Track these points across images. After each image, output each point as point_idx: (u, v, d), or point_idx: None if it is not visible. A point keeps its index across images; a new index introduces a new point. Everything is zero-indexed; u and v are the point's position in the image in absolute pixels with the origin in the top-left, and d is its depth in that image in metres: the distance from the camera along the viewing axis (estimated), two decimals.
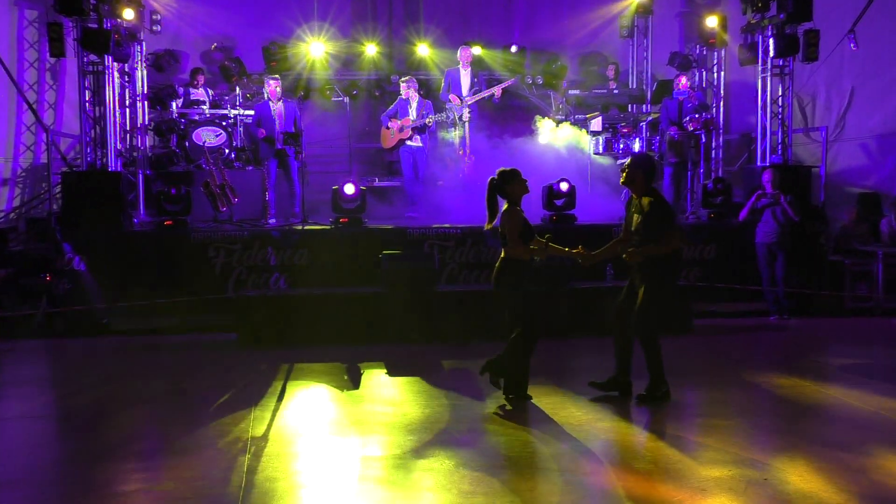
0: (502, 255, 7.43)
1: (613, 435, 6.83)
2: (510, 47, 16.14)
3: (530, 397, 7.46)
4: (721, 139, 15.49)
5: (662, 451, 6.25)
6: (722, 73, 15.80)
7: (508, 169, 7.49)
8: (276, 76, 13.66)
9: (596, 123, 13.98)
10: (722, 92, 15.77)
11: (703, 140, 13.76)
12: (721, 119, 15.59)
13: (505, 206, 7.43)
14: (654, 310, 7.36)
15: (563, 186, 12.44)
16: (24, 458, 6.31)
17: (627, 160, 7.75)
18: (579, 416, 7.09)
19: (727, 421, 6.97)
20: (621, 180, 7.61)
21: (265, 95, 13.55)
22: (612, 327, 7.63)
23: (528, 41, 16.46)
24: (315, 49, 15.00)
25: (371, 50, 15.75)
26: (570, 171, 13.33)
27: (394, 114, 13.80)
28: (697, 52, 16.07)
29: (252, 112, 13.97)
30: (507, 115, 15.08)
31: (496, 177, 7.45)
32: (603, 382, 7.63)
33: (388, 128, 13.79)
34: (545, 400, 7.47)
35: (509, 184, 7.41)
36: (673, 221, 7.50)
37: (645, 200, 7.42)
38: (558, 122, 14.65)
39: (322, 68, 15.37)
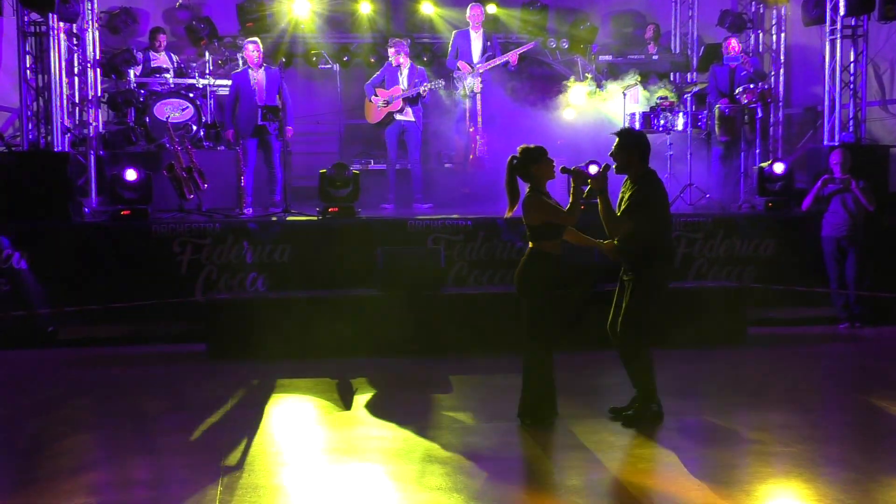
0: (529, 247, 7.44)
1: (652, 464, 6.83)
2: (530, 4, 16.14)
3: (556, 415, 7.49)
4: (781, 114, 15.45)
5: (707, 482, 6.25)
6: (782, 36, 15.75)
7: (533, 146, 7.47)
8: (256, 39, 13.64)
9: (632, 96, 13.94)
10: (782, 58, 15.72)
11: (760, 115, 13.76)
12: (781, 90, 15.55)
13: (528, 192, 7.43)
14: (639, 318, 7.38)
15: (593, 169, 12.39)
16: None
17: (616, 139, 7.62)
18: (611, 441, 7.10)
19: (787, 448, 6.96)
20: (615, 167, 7.57)
21: (240, 63, 13.53)
22: (613, 342, 7.63)
23: None
24: (299, 7, 14.98)
25: (366, 8, 15.70)
26: (601, 152, 13.30)
27: (380, 83, 13.79)
28: (753, 10, 16.04)
29: (228, 82, 13.97)
30: (526, 85, 15.05)
31: (517, 156, 7.44)
32: (624, 407, 7.63)
33: (372, 100, 13.80)
34: (571, 423, 7.48)
35: (534, 164, 7.40)
36: (647, 209, 7.40)
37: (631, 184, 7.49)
38: (586, 94, 14.63)
39: (307, 30, 15.37)
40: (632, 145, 7.51)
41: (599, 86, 14.75)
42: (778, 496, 5.94)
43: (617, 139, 7.58)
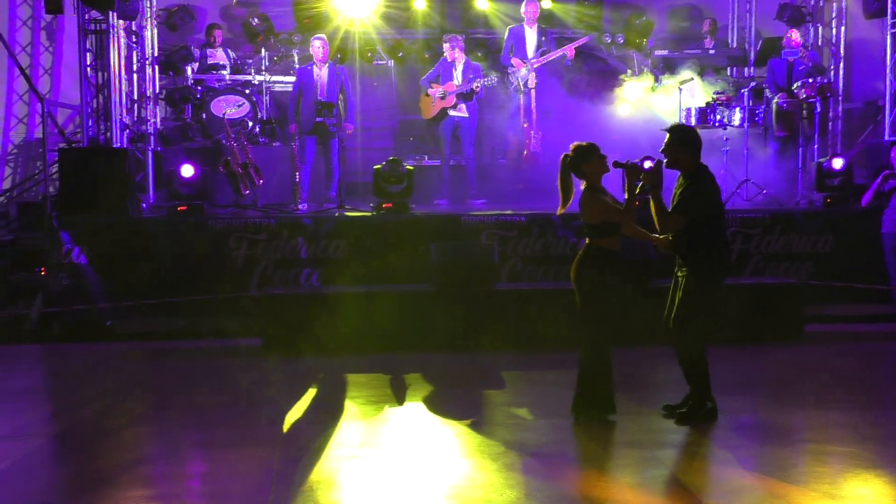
0: (587, 243, 7.42)
1: (707, 462, 6.79)
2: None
3: (614, 411, 7.45)
4: (840, 108, 15.22)
5: (762, 481, 6.19)
6: (842, 29, 15.52)
7: (585, 144, 7.47)
8: (322, 36, 13.66)
9: (688, 90, 13.81)
10: (842, 51, 15.49)
11: (819, 109, 13.57)
12: (840, 84, 15.32)
13: (583, 188, 7.41)
14: (693, 314, 7.30)
15: (648, 165, 12.32)
16: (15, 482, 6.41)
17: (667, 135, 7.56)
18: (666, 439, 7.06)
19: (845, 448, 6.87)
20: (665, 163, 7.50)
21: (295, 59, 13.57)
22: (667, 339, 7.56)
23: None
24: (354, 4, 15.00)
25: (420, 4, 15.71)
26: (657, 147, 13.19)
27: (435, 78, 13.81)
28: (812, 3, 15.83)
29: (284, 78, 14.03)
30: (581, 80, 14.98)
31: (571, 153, 7.44)
32: (678, 404, 7.56)
33: (428, 94, 13.81)
34: (626, 419, 7.45)
35: (586, 161, 7.39)
36: (698, 205, 7.32)
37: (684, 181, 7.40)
38: (642, 89, 14.53)
39: (363, 27, 15.40)
40: (682, 141, 7.44)
41: (657, 80, 14.64)
42: (834, 496, 5.85)
43: (668, 135, 7.52)
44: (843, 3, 15.39)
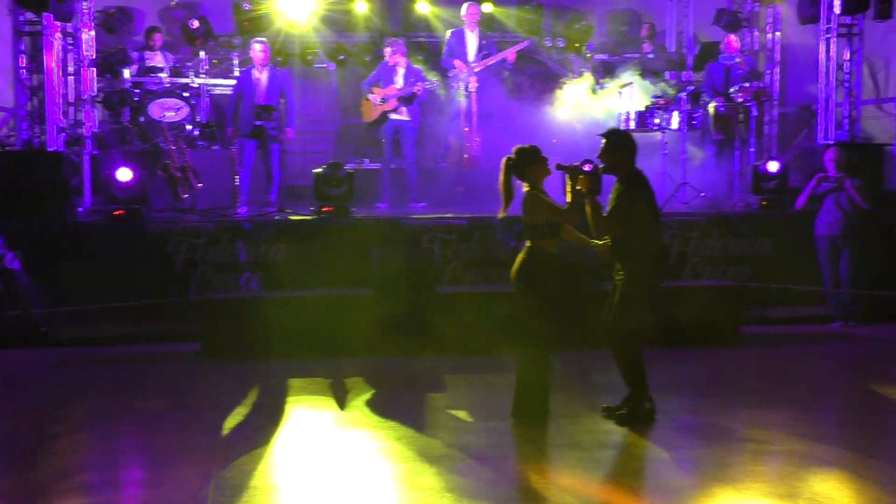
0: (527, 246, 7.46)
1: (645, 463, 6.85)
2: (526, 3, 16.14)
3: (548, 413, 7.51)
4: (775, 112, 15.48)
5: (704, 480, 6.26)
6: (777, 34, 15.78)
7: (528, 146, 7.54)
8: (263, 39, 13.60)
9: (627, 94, 13.94)
10: (777, 56, 15.75)
11: (755, 113, 13.76)
12: (776, 89, 15.58)
13: (525, 191, 7.45)
14: (630, 316, 7.37)
15: (587, 168, 12.40)
16: None
17: (603, 140, 7.64)
18: (605, 440, 7.12)
19: (782, 447, 6.97)
20: (602, 168, 7.57)
21: (235, 62, 13.51)
22: (606, 342, 7.64)
23: None
24: (295, 6, 14.95)
25: (361, 7, 15.68)
26: (597, 150, 13.30)
27: (376, 81, 13.81)
28: (748, 8, 16.07)
29: (224, 81, 13.96)
30: (521, 84, 15.05)
31: (513, 156, 7.48)
32: (618, 406, 7.61)
33: (369, 98, 13.80)
34: (565, 422, 7.50)
35: (529, 164, 7.46)
36: (633, 209, 7.39)
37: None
38: (583, 92, 14.62)
39: (303, 29, 15.36)
40: (619, 146, 7.51)
41: (598, 84, 14.71)
42: (772, 495, 5.93)
43: (604, 140, 7.58)
44: (779, 8, 15.65)
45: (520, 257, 7.50)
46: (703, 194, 13.25)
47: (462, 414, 7.98)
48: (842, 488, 6.09)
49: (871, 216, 11.76)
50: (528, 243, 7.46)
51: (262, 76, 13.27)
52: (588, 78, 14.91)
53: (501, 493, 6.13)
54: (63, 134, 13.11)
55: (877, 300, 11.83)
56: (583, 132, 14.10)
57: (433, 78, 13.95)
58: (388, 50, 13.83)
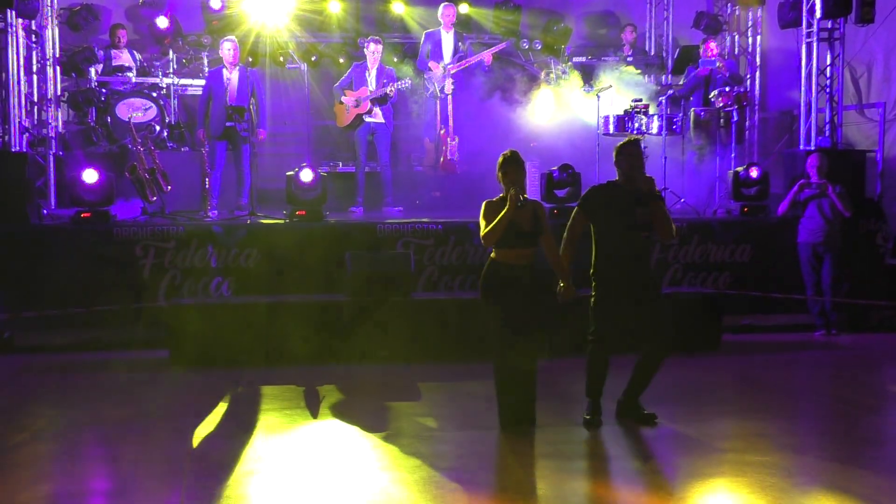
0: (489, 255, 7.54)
1: (624, 473, 6.88)
2: (503, 4, 16.21)
3: (532, 422, 7.58)
4: (756, 117, 15.59)
5: (681, 492, 6.30)
6: (758, 38, 15.90)
7: (506, 152, 7.61)
8: (233, 38, 13.56)
9: (606, 98, 14.00)
10: (758, 61, 15.87)
11: (735, 118, 13.85)
12: (757, 93, 15.69)
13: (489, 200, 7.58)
14: (592, 324, 7.69)
15: (565, 173, 12.53)
16: None
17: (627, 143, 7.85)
18: (584, 450, 7.15)
19: (762, 457, 7.01)
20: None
21: (205, 62, 13.49)
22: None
23: None
24: (266, 5, 14.92)
25: (335, 7, 15.70)
26: (574, 155, 13.40)
27: (348, 84, 13.82)
28: (728, 12, 16.17)
29: (193, 81, 13.93)
30: (499, 86, 15.07)
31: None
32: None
33: (341, 102, 13.81)
34: (545, 430, 7.53)
35: (499, 171, 7.54)
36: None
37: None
38: (560, 96, 14.68)
39: (275, 29, 15.33)
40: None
41: (587, 85, 14.73)
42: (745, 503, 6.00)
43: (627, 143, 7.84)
44: (759, 12, 15.75)
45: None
46: (682, 200, 13.34)
47: (438, 422, 8.00)
48: (820, 500, 6.14)
49: (852, 223, 11.88)
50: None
51: (232, 76, 13.24)
52: (566, 80, 14.98)
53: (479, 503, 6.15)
54: (27, 134, 13.03)
55: (859, 309, 11.95)
56: (560, 135, 14.19)
57: (407, 78, 13.97)
58: (373, 46, 13.77)
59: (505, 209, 7.32)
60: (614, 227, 7.63)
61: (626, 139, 7.97)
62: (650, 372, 7.78)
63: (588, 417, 7.67)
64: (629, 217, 7.60)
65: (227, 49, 13.27)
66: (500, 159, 7.53)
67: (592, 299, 7.68)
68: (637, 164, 7.70)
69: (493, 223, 7.33)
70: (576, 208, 7.78)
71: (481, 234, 7.43)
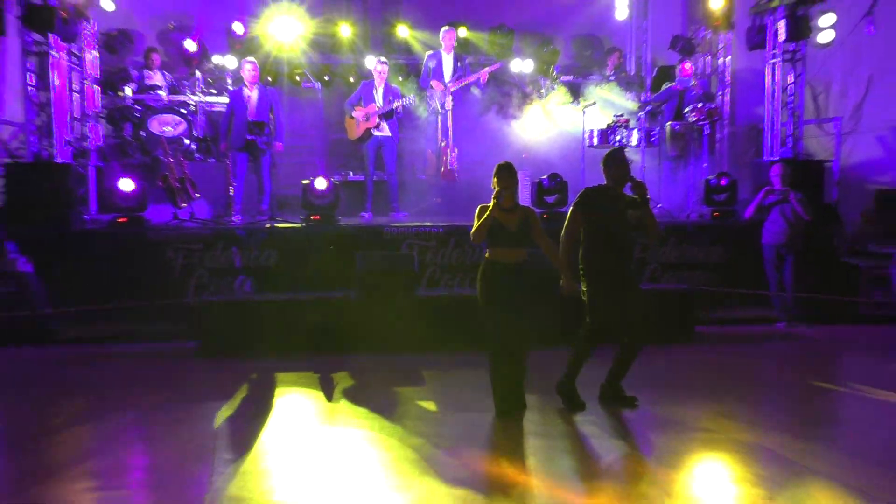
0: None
1: (606, 450, 6.94)
2: (498, 29, 16.26)
3: (523, 407, 7.63)
4: (726, 131, 15.62)
5: (664, 470, 6.37)
6: (728, 59, 15.92)
7: (501, 162, 7.65)
8: (252, 59, 13.61)
9: (591, 113, 14.06)
10: (728, 80, 15.89)
11: (707, 132, 13.92)
12: (726, 109, 15.72)
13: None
14: (586, 315, 7.80)
15: (554, 182, 12.60)
16: None
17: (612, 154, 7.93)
18: (571, 430, 7.22)
19: (731, 435, 7.07)
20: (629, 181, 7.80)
21: (228, 81, 13.53)
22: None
23: (517, 22, 16.52)
24: (284, 30, 14.98)
25: (346, 31, 15.79)
26: (563, 164, 13.45)
27: (357, 101, 13.86)
28: (702, 35, 16.20)
29: (218, 99, 13.99)
30: (494, 102, 15.13)
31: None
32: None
33: (352, 117, 13.86)
34: (535, 413, 7.59)
35: (493, 177, 7.57)
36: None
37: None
38: (549, 111, 14.73)
39: (291, 51, 15.39)
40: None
41: (576, 100, 14.77)
42: (723, 479, 6.05)
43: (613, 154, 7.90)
44: (729, 35, 15.77)
45: None
46: (660, 205, 13.40)
47: (438, 406, 8.05)
48: (782, 471, 6.19)
49: (812, 226, 11.93)
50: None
51: (252, 93, 13.28)
52: (554, 97, 15.01)
53: (472, 477, 6.20)
54: (69, 147, 13.11)
55: (817, 302, 12.01)
56: (549, 147, 14.25)
57: (411, 95, 14.02)
58: (381, 66, 13.84)
59: (489, 209, 7.42)
60: (607, 226, 7.69)
61: (614, 147, 8.03)
62: (629, 359, 7.85)
63: (568, 399, 7.76)
64: (621, 218, 7.68)
65: (247, 69, 13.31)
66: (495, 168, 7.59)
67: (585, 294, 7.70)
68: (626, 169, 7.79)
69: (479, 222, 7.44)
70: (572, 208, 7.80)
71: (471, 232, 7.53)
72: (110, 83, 14.69)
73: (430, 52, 14.51)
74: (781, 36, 13.36)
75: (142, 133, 14.11)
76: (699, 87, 14.28)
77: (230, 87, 14.64)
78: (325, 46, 15.98)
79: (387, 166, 13.90)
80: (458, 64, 14.30)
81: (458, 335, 10.12)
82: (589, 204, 7.74)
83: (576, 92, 15.35)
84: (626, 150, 13.05)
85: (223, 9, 15.82)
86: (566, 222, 7.77)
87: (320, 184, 12.20)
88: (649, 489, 5.91)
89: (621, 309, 7.69)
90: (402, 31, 15.87)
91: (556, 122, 14.63)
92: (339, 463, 6.49)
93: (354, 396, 8.44)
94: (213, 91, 15.21)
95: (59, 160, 12.45)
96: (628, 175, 7.78)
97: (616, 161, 7.78)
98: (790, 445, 6.87)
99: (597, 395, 7.93)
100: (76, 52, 13.91)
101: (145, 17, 16.16)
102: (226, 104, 13.90)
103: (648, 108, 14.68)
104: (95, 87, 14.73)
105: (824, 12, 13.32)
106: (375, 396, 8.40)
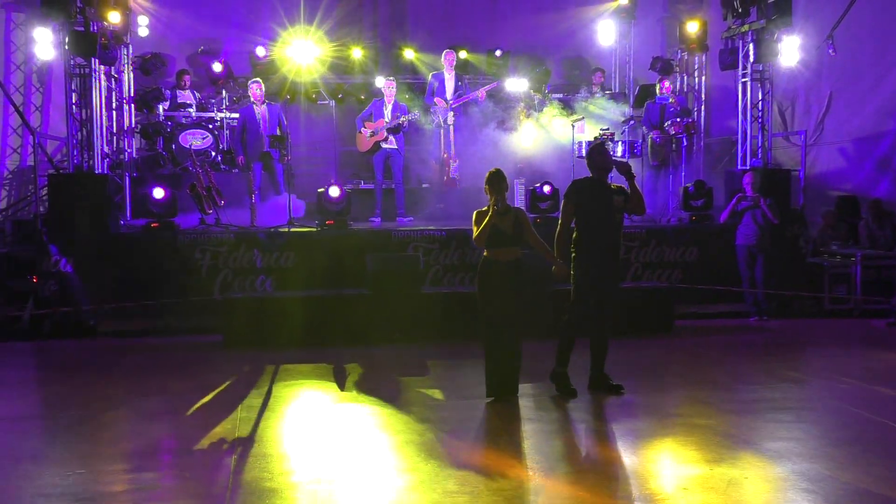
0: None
1: (591, 433, 6.90)
2: (494, 51, 16.27)
3: (515, 393, 7.58)
4: (702, 143, 15.58)
5: (641, 449, 6.32)
6: (703, 78, 15.90)
7: (492, 169, 7.62)
8: (258, 79, 13.67)
9: (579, 127, 14.03)
10: (703, 96, 15.86)
11: (685, 143, 13.88)
12: (702, 123, 15.68)
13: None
14: (571, 302, 7.79)
15: (546, 189, 12.58)
16: (13, 455, 6.28)
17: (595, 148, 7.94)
18: (560, 416, 7.18)
19: (707, 420, 7.03)
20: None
21: (251, 99, 13.54)
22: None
23: (512, 45, 16.54)
24: (301, 53, 14.97)
25: (357, 53, 15.79)
26: (555, 174, 13.42)
27: (368, 116, 13.83)
28: (679, 56, 16.16)
29: (237, 115, 13.96)
30: (492, 118, 15.10)
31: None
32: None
33: (361, 131, 13.82)
34: (529, 400, 7.55)
35: (486, 184, 7.55)
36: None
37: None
38: (541, 125, 14.69)
39: (308, 72, 15.36)
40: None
41: (552, 119, 14.75)
42: (700, 461, 6.00)
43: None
44: (704, 57, 15.76)
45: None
46: None
47: (440, 393, 8.03)
48: (755, 455, 6.15)
49: (780, 229, 11.91)
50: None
51: (260, 109, 13.31)
52: (546, 113, 14.98)
53: (471, 457, 6.16)
54: (107, 159, 13.09)
55: (785, 298, 12.00)
56: (542, 157, 14.21)
57: (416, 111, 13.99)
58: (387, 83, 13.83)
59: (488, 216, 7.39)
60: (596, 212, 7.68)
61: (596, 143, 8.03)
62: (603, 349, 7.84)
63: (561, 387, 7.70)
64: (608, 203, 7.68)
65: (254, 89, 13.38)
66: (487, 175, 7.56)
67: (573, 278, 7.67)
68: (607, 156, 7.86)
69: (480, 228, 7.41)
70: (564, 200, 7.81)
71: (473, 237, 7.49)
72: (145, 101, 14.65)
73: (434, 72, 14.49)
74: (751, 57, 13.31)
75: (172, 146, 14.09)
76: (677, 103, 14.23)
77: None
78: (338, 67, 15.98)
79: (394, 176, 13.86)
80: (459, 83, 14.27)
81: (459, 328, 10.11)
82: (579, 194, 7.75)
83: (566, 107, 15.28)
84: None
85: (247, 34, 15.82)
86: (561, 216, 7.80)
87: (334, 192, 12.18)
88: (624, 470, 5.88)
89: (599, 295, 7.64)
90: (409, 54, 15.88)
91: (549, 134, 14.57)
92: (352, 446, 6.45)
93: (365, 385, 8.42)
94: (238, 108, 15.16)
95: (98, 171, 12.43)
96: (610, 161, 7.83)
97: (597, 151, 7.87)
98: (761, 428, 6.83)
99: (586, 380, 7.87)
100: (114, 74, 13.88)
101: (176, 41, 16.16)
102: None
103: (631, 122, 14.64)
104: (131, 105, 14.69)
105: (789, 36, 13.28)
106: (384, 385, 8.37)
